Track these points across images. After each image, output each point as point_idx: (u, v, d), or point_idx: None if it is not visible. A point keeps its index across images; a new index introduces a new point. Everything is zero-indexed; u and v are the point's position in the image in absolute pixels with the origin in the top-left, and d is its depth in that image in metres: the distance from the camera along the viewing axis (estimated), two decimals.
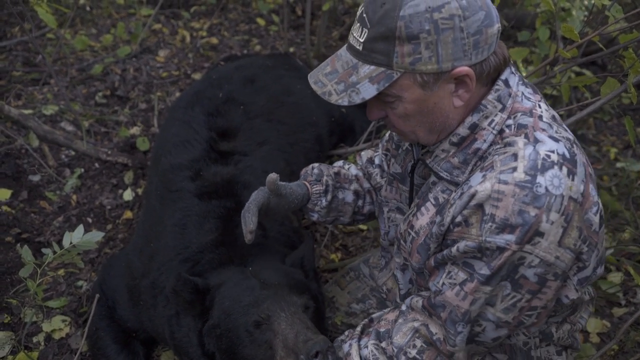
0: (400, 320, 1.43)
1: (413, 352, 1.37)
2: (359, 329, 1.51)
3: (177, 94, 3.29)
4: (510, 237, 1.18)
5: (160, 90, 3.33)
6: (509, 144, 1.24)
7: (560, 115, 3.27)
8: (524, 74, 2.82)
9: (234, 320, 1.53)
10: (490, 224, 1.19)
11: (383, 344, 1.41)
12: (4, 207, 2.47)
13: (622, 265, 2.39)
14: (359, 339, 1.48)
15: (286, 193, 1.58)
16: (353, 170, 1.81)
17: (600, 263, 1.41)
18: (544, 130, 1.25)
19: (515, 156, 1.21)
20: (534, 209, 1.17)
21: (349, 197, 1.74)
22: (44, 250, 1.73)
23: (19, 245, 2.31)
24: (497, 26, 1.22)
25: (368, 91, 1.23)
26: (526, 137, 1.23)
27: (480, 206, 1.21)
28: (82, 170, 2.74)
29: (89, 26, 3.87)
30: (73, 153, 2.82)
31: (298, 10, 4.28)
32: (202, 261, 1.74)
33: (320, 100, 2.85)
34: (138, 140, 2.86)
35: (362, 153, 1.84)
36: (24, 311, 2.08)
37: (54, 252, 1.69)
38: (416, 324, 1.39)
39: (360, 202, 1.77)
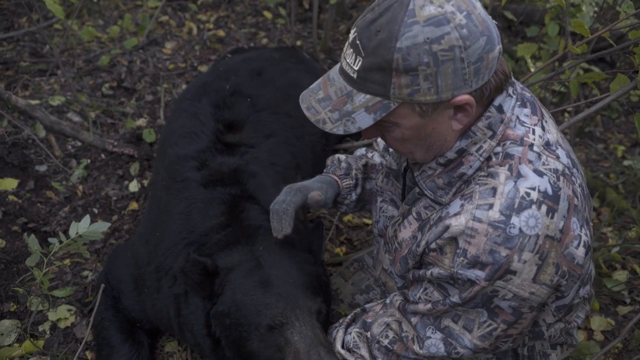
0: (380, 312, 1.48)
1: (385, 342, 1.41)
2: (350, 317, 1.57)
3: (184, 86, 3.29)
4: (480, 274, 1.19)
5: (166, 82, 3.34)
6: (491, 175, 1.22)
7: (568, 112, 3.25)
8: (532, 70, 2.80)
9: (245, 316, 1.52)
10: (462, 258, 1.20)
11: (368, 334, 1.46)
12: (11, 197, 2.49)
13: (628, 263, 2.39)
14: (347, 326, 1.54)
15: (325, 203, 1.62)
16: (377, 158, 1.81)
17: (584, 284, 1.41)
18: (530, 162, 1.21)
19: (494, 191, 1.19)
20: (505, 249, 1.17)
21: None
22: (50, 239, 1.73)
23: (25, 234, 2.33)
24: (498, 48, 1.17)
25: (364, 121, 1.19)
26: (510, 169, 1.21)
27: (454, 239, 1.22)
28: (89, 161, 2.75)
29: (95, 17, 3.87)
30: (79, 144, 2.83)
31: (305, 3, 4.26)
32: (208, 243, 1.73)
33: None
34: (144, 132, 2.87)
35: (379, 139, 1.82)
36: (30, 300, 2.09)
37: (60, 242, 1.70)
38: (390, 319, 1.43)
39: None
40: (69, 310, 2.08)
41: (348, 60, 1.19)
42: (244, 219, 1.78)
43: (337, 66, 1.26)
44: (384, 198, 1.65)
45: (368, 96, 1.18)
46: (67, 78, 2.87)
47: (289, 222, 1.54)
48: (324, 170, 1.76)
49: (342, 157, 1.75)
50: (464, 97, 1.16)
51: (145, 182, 2.69)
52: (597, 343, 2.10)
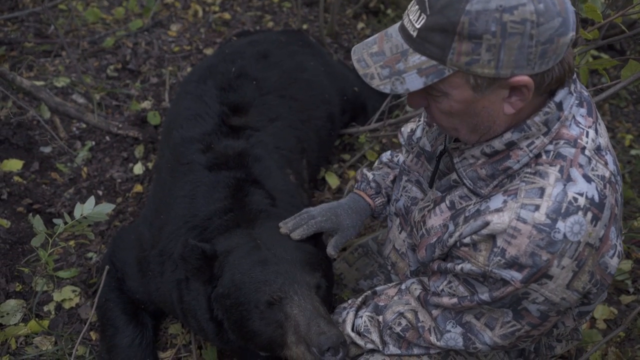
0: (395, 298, 1.47)
1: (397, 329, 1.41)
2: (360, 299, 1.56)
3: (189, 69, 3.27)
4: (516, 275, 1.17)
5: (171, 64, 3.32)
6: (540, 174, 1.17)
7: None
8: None
9: (244, 295, 1.53)
10: (499, 257, 1.17)
11: (380, 318, 1.46)
12: (16, 178, 2.49)
13: (632, 253, 2.38)
14: (358, 309, 1.53)
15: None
16: (402, 160, 1.77)
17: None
18: (581, 166, 1.17)
19: (542, 191, 1.15)
20: (547, 253, 1.14)
21: None
22: (54, 221, 1.74)
23: (30, 215, 2.33)
24: (571, 35, 1.09)
25: (414, 83, 1.13)
26: (561, 171, 1.16)
27: (492, 237, 1.18)
28: (93, 143, 2.75)
29: None
30: (84, 126, 2.82)
31: None
32: (210, 227, 1.74)
33: (333, 78, 2.81)
34: (149, 115, 2.86)
35: (402, 129, 1.78)
36: (35, 280, 2.10)
37: (65, 223, 1.70)
38: (405, 308, 1.42)
39: None
40: (74, 291, 2.09)
41: (411, 17, 1.13)
42: (247, 203, 1.78)
43: (398, 24, 1.20)
44: (410, 178, 1.60)
45: (423, 58, 1.12)
46: (72, 59, 2.86)
47: (300, 234, 1.61)
48: (355, 186, 1.80)
49: (370, 175, 1.78)
50: (523, 78, 1.09)
51: (150, 165, 2.69)
52: (599, 332, 2.10)
